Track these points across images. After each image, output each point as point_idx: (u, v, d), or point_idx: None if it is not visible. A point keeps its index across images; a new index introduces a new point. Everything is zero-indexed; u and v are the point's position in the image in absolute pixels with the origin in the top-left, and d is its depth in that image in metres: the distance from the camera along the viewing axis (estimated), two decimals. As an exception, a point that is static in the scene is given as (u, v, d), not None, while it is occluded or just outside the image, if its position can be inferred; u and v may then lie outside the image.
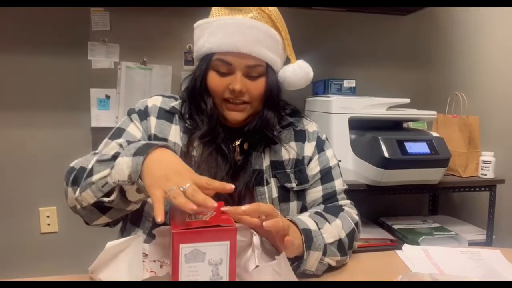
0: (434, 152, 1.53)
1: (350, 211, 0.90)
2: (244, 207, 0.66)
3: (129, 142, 0.72)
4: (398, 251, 0.93)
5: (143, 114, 0.87)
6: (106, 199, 0.69)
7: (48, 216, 1.74)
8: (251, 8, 0.83)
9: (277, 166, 0.88)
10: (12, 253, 1.72)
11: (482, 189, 1.75)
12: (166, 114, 0.87)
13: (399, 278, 0.71)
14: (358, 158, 1.54)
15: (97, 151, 0.81)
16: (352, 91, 1.82)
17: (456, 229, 1.72)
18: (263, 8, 0.84)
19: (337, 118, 1.57)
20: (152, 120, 0.86)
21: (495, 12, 2.02)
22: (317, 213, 0.83)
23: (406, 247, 0.93)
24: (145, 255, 0.73)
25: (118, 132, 0.85)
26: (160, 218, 0.59)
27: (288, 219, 0.76)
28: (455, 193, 2.11)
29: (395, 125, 1.72)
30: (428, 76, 2.09)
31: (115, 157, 0.68)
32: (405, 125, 1.80)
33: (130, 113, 0.89)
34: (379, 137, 1.48)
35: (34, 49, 1.68)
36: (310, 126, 0.96)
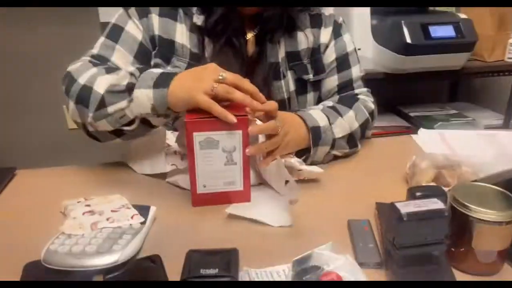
0: (460, 35, 1.45)
1: (366, 100, 0.89)
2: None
3: (140, 70, 0.68)
4: (413, 135, 0.95)
5: (143, 10, 0.80)
6: (126, 128, 0.70)
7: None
8: None
9: (294, 57, 0.85)
10: (43, 149, 1.85)
11: (507, 73, 1.70)
12: (169, 10, 0.80)
13: (413, 158, 0.74)
14: (379, 45, 1.48)
15: (94, 53, 0.78)
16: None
17: (474, 115, 1.72)
18: None
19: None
20: (155, 18, 0.79)
21: None
22: (330, 107, 0.83)
23: (422, 131, 0.96)
24: (168, 146, 0.78)
25: (116, 31, 0.79)
26: (230, 117, 0.60)
27: (297, 115, 0.77)
28: (477, 79, 2.06)
29: (420, 7, 1.60)
30: None
31: (129, 88, 0.66)
32: (431, 8, 1.68)
33: (127, 8, 0.81)
34: (402, 21, 1.41)
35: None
36: (326, 9, 0.89)
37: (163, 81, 0.65)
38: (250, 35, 0.83)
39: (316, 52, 0.88)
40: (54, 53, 1.74)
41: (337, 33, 0.89)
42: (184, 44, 0.80)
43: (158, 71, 0.67)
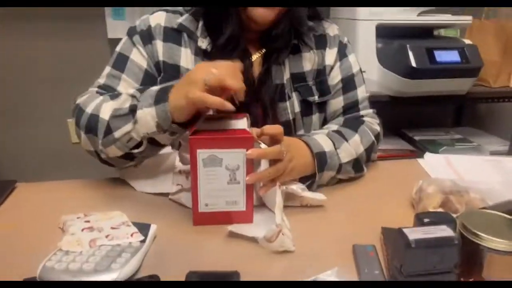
0: (465, 61, 1.46)
1: (371, 122, 0.89)
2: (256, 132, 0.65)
3: (140, 91, 0.69)
4: (419, 159, 0.95)
5: (147, 37, 0.80)
6: (135, 151, 0.70)
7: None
8: None
9: (298, 79, 0.85)
10: (46, 162, 1.84)
11: (512, 100, 1.70)
12: (173, 35, 0.81)
13: (420, 183, 0.73)
14: (384, 68, 1.49)
15: (101, 83, 0.80)
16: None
17: (479, 141, 1.71)
18: None
19: (363, 25, 1.49)
20: (159, 44, 0.80)
21: None
22: (335, 131, 0.82)
23: (428, 155, 0.95)
24: (175, 168, 0.77)
25: (121, 60, 0.80)
26: (227, 105, 0.60)
27: (302, 140, 0.76)
28: (482, 104, 2.06)
29: (425, 32, 1.62)
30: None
31: (132, 110, 0.67)
32: (436, 32, 1.69)
33: (131, 33, 0.82)
34: (407, 45, 1.41)
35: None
36: (331, 29, 0.90)
37: (162, 96, 0.65)
38: (255, 57, 0.83)
39: (321, 73, 0.88)
40: (59, 67, 1.76)
41: (342, 54, 0.90)
42: (189, 68, 0.80)
43: (156, 88, 0.68)
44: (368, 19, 1.48)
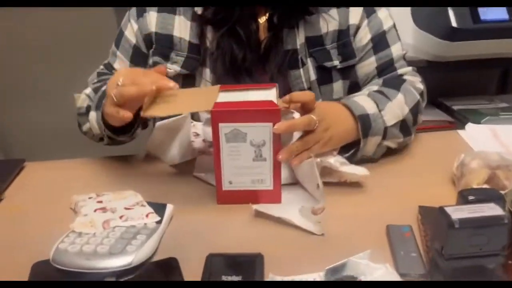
0: (514, 18, 1.38)
1: (413, 80, 0.85)
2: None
3: (94, 90, 0.79)
4: (460, 131, 0.92)
5: (141, 8, 0.83)
6: (103, 142, 0.79)
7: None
8: None
9: (314, 43, 0.81)
10: (54, 138, 1.88)
11: None
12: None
13: (461, 157, 0.71)
14: (420, 29, 1.43)
15: (106, 61, 0.89)
16: None
17: (527, 109, 1.65)
18: None
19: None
20: (152, 16, 0.81)
21: None
22: (377, 91, 0.80)
23: (469, 125, 0.92)
24: (196, 135, 0.77)
25: (119, 37, 0.86)
26: (171, 82, 0.62)
27: (343, 103, 0.74)
28: (531, 69, 1.97)
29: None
30: None
31: (88, 111, 0.76)
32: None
33: (131, 9, 0.86)
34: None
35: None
36: None
37: (99, 102, 0.72)
38: (262, 20, 0.80)
39: (344, 34, 0.83)
40: (66, 42, 1.76)
41: (369, 9, 0.85)
42: (183, 37, 0.81)
43: (102, 90, 0.75)
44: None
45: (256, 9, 0.80)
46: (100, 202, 0.63)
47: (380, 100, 0.77)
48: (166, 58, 0.82)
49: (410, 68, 0.88)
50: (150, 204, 0.63)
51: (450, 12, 1.35)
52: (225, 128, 0.61)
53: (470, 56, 1.44)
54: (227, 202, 0.66)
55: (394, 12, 1.40)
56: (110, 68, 0.87)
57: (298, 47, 0.81)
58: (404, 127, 0.78)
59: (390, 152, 0.81)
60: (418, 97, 0.82)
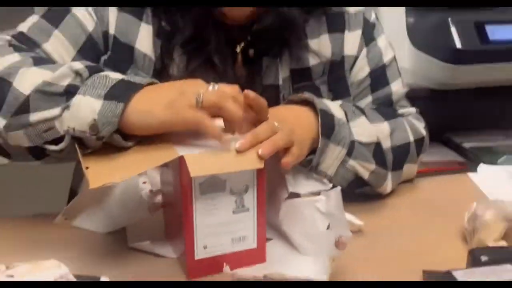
0: (528, 37, 1.48)
1: (414, 122, 0.87)
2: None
3: (89, 69, 0.66)
4: (471, 174, 0.95)
5: None
6: (50, 147, 0.66)
7: None
8: None
9: (301, 76, 0.84)
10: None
11: None
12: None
13: (473, 207, 0.73)
14: (418, 50, 1.51)
15: (20, 31, 0.77)
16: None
17: (550, 146, 1.73)
18: None
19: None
20: (112, 12, 0.79)
21: None
22: (354, 105, 0.81)
23: (482, 167, 0.95)
24: (144, 183, 0.76)
25: (58, 12, 0.79)
26: (220, 137, 0.60)
27: (303, 97, 0.75)
28: (552, 97, 2.09)
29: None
30: None
31: (69, 92, 0.63)
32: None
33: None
34: (449, 19, 1.44)
35: None
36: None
37: (122, 91, 0.62)
38: (240, 48, 0.82)
39: (337, 67, 0.86)
40: None
41: (369, 37, 0.88)
42: (147, 53, 0.80)
43: (116, 76, 0.65)
44: (394, -15, 1.50)
45: (234, 35, 0.81)
46: (11, 276, 0.61)
47: (353, 111, 0.78)
48: (122, 72, 0.75)
49: (413, 109, 0.91)
50: (78, 277, 0.61)
51: (453, 30, 1.44)
52: (199, 177, 0.60)
53: (479, 82, 1.52)
54: (202, 274, 0.64)
55: (388, 30, 1.48)
56: (32, 46, 0.76)
57: (281, 82, 0.83)
58: (379, 154, 0.79)
59: (387, 201, 0.83)
60: (411, 139, 0.84)
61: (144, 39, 0.80)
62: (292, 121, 0.70)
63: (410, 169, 0.87)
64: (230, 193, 0.62)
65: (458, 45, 1.42)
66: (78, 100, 0.62)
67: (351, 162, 0.76)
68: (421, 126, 0.89)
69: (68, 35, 0.78)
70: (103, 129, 0.61)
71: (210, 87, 0.61)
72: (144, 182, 0.77)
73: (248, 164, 0.61)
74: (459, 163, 1.71)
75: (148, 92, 0.64)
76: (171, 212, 0.71)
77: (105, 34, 0.79)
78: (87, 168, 0.62)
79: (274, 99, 0.82)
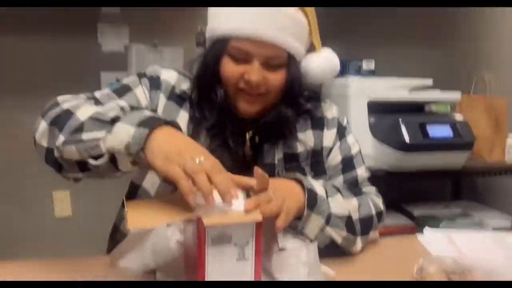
0: (457, 135, 1.51)
1: (374, 199, 0.87)
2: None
3: (132, 108, 0.68)
4: (419, 235, 0.93)
5: (155, 84, 0.82)
6: (92, 162, 0.65)
7: (61, 201, 1.79)
8: None
9: (291, 159, 0.85)
10: (26, 237, 1.78)
11: (509, 173, 1.73)
12: (176, 96, 0.83)
13: (420, 261, 0.71)
14: (378, 142, 1.53)
15: (91, 96, 0.78)
16: (371, 72, 1.80)
17: (479, 215, 1.71)
18: None
19: (355, 101, 1.56)
20: (162, 99, 0.81)
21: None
22: (332, 185, 0.82)
23: (427, 231, 0.94)
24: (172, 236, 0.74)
25: (124, 89, 0.81)
26: (191, 198, 0.58)
27: (295, 177, 0.75)
28: (479, 179, 2.09)
29: (416, 107, 1.70)
30: (451, 55, 2.04)
31: (114, 120, 0.64)
32: (427, 108, 1.78)
33: (140, 75, 0.83)
34: (400, 120, 1.48)
35: (43, 31, 1.70)
36: (330, 111, 0.90)
37: (149, 123, 0.63)
38: (248, 135, 0.84)
39: (317, 154, 0.87)
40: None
41: (341, 135, 0.90)
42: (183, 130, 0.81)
43: (148, 113, 0.66)
44: (359, 95, 1.55)
45: (244, 126, 0.83)
46: None
47: (331, 190, 0.78)
48: None
49: (373, 188, 0.90)
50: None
51: (403, 128, 1.47)
52: (212, 230, 0.59)
53: (424, 166, 1.53)
54: None
55: (355, 127, 1.51)
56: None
57: (276, 162, 0.84)
58: (350, 224, 0.78)
59: (355, 256, 0.81)
60: (373, 213, 0.83)
61: (181, 121, 0.81)
62: (284, 192, 0.70)
63: (372, 235, 0.86)
64: (234, 245, 0.61)
65: (407, 139, 1.45)
66: (118, 126, 0.63)
67: (328, 230, 0.75)
68: (380, 202, 0.88)
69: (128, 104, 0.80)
70: (134, 148, 0.61)
71: (196, 160, 0.59)
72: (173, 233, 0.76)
73: (250, 218, 0.61)
74: (410, 226, 1.69)
75: (167, 133, 0.63)
76: (189, 256, 0.69)
77: (154, 111, 0.79)
78: (128, 211, 0.61)
79: (270, 174, 0.82)
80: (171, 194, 0.68)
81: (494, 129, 1.72)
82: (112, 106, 0.67)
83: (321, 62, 0.82)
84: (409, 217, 1.76)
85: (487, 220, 1.67)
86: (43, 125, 0.70)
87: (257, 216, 0.61)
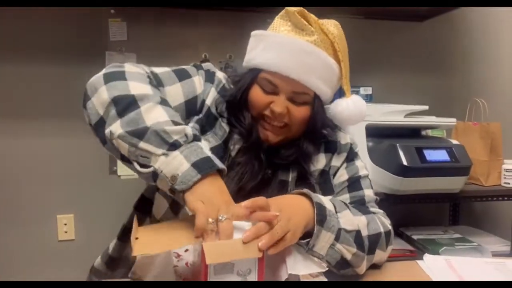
0: (454, 160, 1.50)
1: (383, 218, 0.85)
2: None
3: (194, 136, 0.68)
4: (419, 261, 0.91)
5: (210, 78, 0.83)
6: (137, 167, 0.66)
7: (65, 224, 1.77)
8: (314, 29, 0.79)
9: (303, 178, 0.86)
10: (30, 260, 1.75)
11: (506, 198, 1.71)
12: (225, 91, 0.84)
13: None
14: (376, 166, 1.52)
15: (154, 71, 0.79)
16: (369, 98, 1.81)
17: (478, 240, 1.68)
18: (328, 32, 0.80)
19: (354, 126, 1.55)
20: (212, 91, 0.82)
21: (515, 16, 1.99)
22: (340, 200, 0.80)
23: (427, 257, 0.91)
24: (178, 256, 0.72)
25: (184, 74, 0.82)
26: (197, 233, 0.59)
27: (303, 192, 0.74)
28: (477, 203, 2.07)
29: (413, 132, 1.70)
30: (446, 83, 2.06)
31: (174, 145, 0.65)
32: (423, 132, 1.78)
33: (197, 67, 0.85)
34: (397, 145, 1.47)
35: (51, 58, 1.72)
36: (344, 138, 0.91)
37: (202, 166, 0.64)
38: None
39: (325, 173, 0.88)
40: (49, 162, 1.76)
41: (350, 158, 0.90)
42: (224, 127, 0.82)
43: (206, 152, 0.66)
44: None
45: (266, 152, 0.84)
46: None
47: (340, 205, 0.76)
48: (203, 132, 0.79)
49: (381, 211, 0.88)
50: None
51: (401, 152, 1.47)
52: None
53: (421, 190, 1.51)
54: None
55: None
56: (159, 85, 0.77)
57: (290, 179, 0.84)
58: (359, 240, 0.75)
59: (360, 280, 0.79)
60: (381, 230, 0.81)
61: (224, 118, 0.83)
62: (291, 208, 0.68)
63: (380, 255, 0.82)
64: (237, 275, 0.59)
65: (405, 163, 1.44)
66: (175, 154, 0.64)
67: (338, 246, 0.73)
68: (388, 223, 0.86)
69: (185, 88, 0.80)
70: (180, 185, 0.63)
71: (220, 217, 0.60)
72: (177, 256, 0.74)
73: (250, 253, 0.59)
74: (410, 251, 1.65)
75: (212, 183, 0.64)
76: (197, 278, 0.67)
77: (203, 101, 0.81)
78: (136, 238, 0.61)
79: (284, 190, 0.83)
80: (179, 221, 0.67)
81: (490, 154, 1.71)
82: (179, 129, 0.66)
83: (349, 106, 0.86)
84: (408, 241, 1.73)
85: (486, 245, 1.64)
86: (104, 94, 0.69)
87: (257, 253, 0.59)
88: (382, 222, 0.83)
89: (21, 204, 1.75)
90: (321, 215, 0.71)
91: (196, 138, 0.68)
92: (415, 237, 1.72)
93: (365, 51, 1.96)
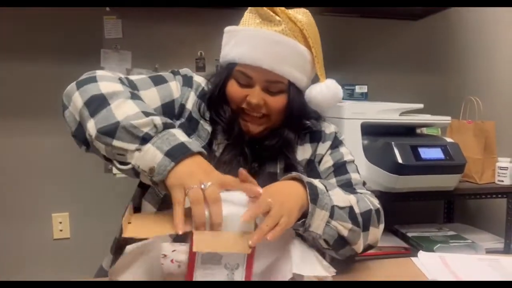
0: (448, 158, 1.50)
1: (371, 198, 0.84)
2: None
3: (164, 125, 0.67)
4: (413, 258, 0.91)
5: (187, 81, 0.85)
6: (118, 165, 0.67)
7: (60, 222, 1.76)
8: (282, 19, 0.80)
9: (290, 168, 0.86)
10: (25, 259, 1.74)
11: (499, 196, 1.71)
12: (204, 95, 0.85)
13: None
14: (371, 164, 1.52)
15: (129, 78, 0.80)
16: (364, 97, 1.81)
17: (472, 237, 1.68)
18: (296, 20, 0.80)
19: (349, 124, 1.55)
20: (192, 96, 0.84)
21: (511, 14, 1.99)
22: (328, 182, 0.80)
23: (422, 254, 0.91)
24: (164, 256, 0.72)
25: (159, 80, 0.83)
26: (180, 228, 0.58)
27: (293, 176, 0.74)
28: (471, 200, 2.07)
29: (408, 130, 1.69)
30: (441, 81, 2.06)
31: (145, 138, 0.65)
32: (418, 130, 1.77)
33: (174, 73, 0.86)
34: (392, 143, 1.47)
35: (46, 56, 1.71)
36: (328, 128, 0.93)
37: (177, 152, 0.64)
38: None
39: (311, 162, 0.89)
40: (43, 160, 1.75)
41: (334, 145, 0.91)
42: (207, 129, 0.83)
43: (179, 138, 0.66)
44: (353, 118, 1.55)
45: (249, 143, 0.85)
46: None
47: (330, 185, 0.77)
48: (188, 136, 0.79)
49: (369, 192, 0.88)
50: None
51: (396, 150, 1.46)
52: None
53: (416, 188, 1.51)
54: None
55: (349, 149, 1.51)
56: (133, 89, 0.77)
57: (278, 171, 0.85)
58: (353, 215, 0.75)
59: (345, 275, 0.78)
60: (371, 207, 0.80)
61: (204, 122, 0.84)
62: (284, 193, 0.69)
63: (374, 232, 0.81)
64: (224, 267, 0.59)
65: (400, 161, 1.44)
66: (147, 147, 0.64)
67: (334, 223, 0.73)
68: (376, 202, 0.85)
69: (161, 92, 0.81)
70: (157, 176, 0.63)
71: (202, 186, 0.60)
72: (163, 255, 0.74)
73: (239, 248, 0.59)
74: (405, 248, 1.66)
75: (191, 164, 0.64)
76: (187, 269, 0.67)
77: (182, 106, 0.83)
78: (129, 223, 0.61)
79: (272, 181, 0.81)
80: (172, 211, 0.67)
81: (484, 152, 1.71)
82: (146, 121, 0.66)
83: (323, 90, 0.85)
84: (403, 239, 1.73)
85: (480, 242, 1.64)
86: (77, 100, 0.70)
87: (246, 249, 0.59)
88: (371, 201, 0.83)
89: (16, 203, 1.74)
90: (314, 194, 0.71)
91: (167, 126, 0.68)
92: (409, 234, 1.72)
93: (360, 50, 1.96)
